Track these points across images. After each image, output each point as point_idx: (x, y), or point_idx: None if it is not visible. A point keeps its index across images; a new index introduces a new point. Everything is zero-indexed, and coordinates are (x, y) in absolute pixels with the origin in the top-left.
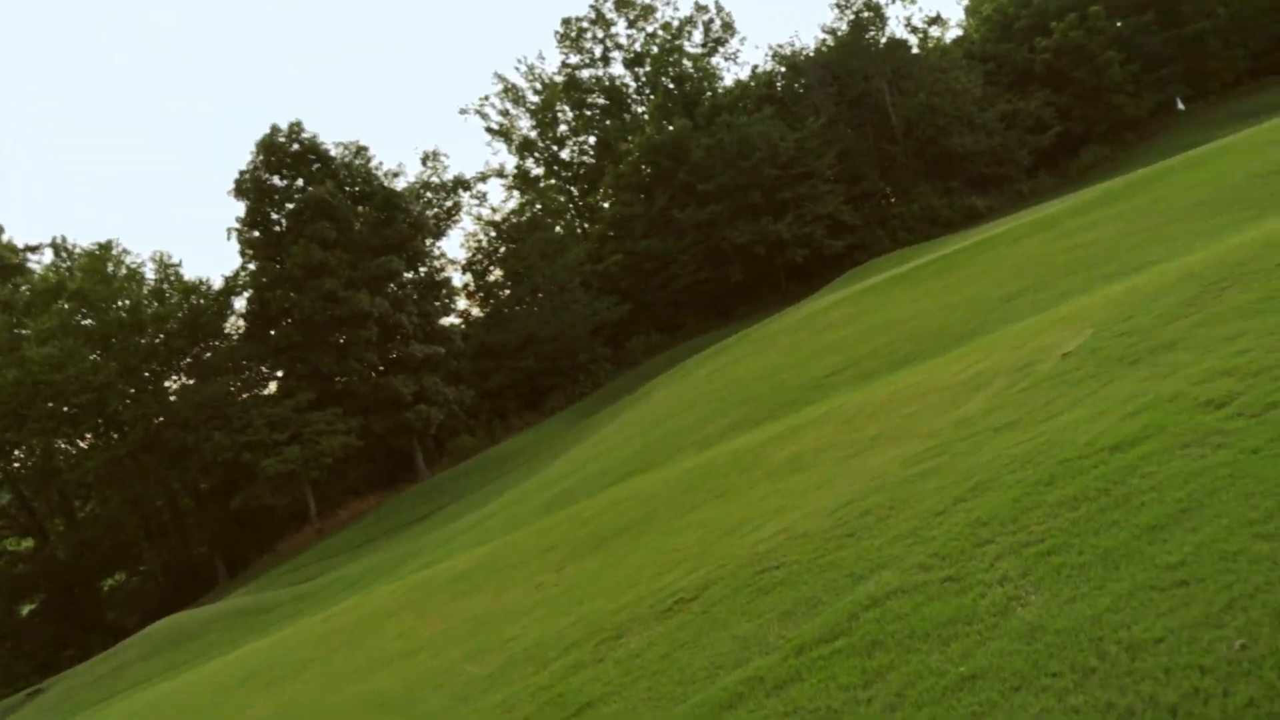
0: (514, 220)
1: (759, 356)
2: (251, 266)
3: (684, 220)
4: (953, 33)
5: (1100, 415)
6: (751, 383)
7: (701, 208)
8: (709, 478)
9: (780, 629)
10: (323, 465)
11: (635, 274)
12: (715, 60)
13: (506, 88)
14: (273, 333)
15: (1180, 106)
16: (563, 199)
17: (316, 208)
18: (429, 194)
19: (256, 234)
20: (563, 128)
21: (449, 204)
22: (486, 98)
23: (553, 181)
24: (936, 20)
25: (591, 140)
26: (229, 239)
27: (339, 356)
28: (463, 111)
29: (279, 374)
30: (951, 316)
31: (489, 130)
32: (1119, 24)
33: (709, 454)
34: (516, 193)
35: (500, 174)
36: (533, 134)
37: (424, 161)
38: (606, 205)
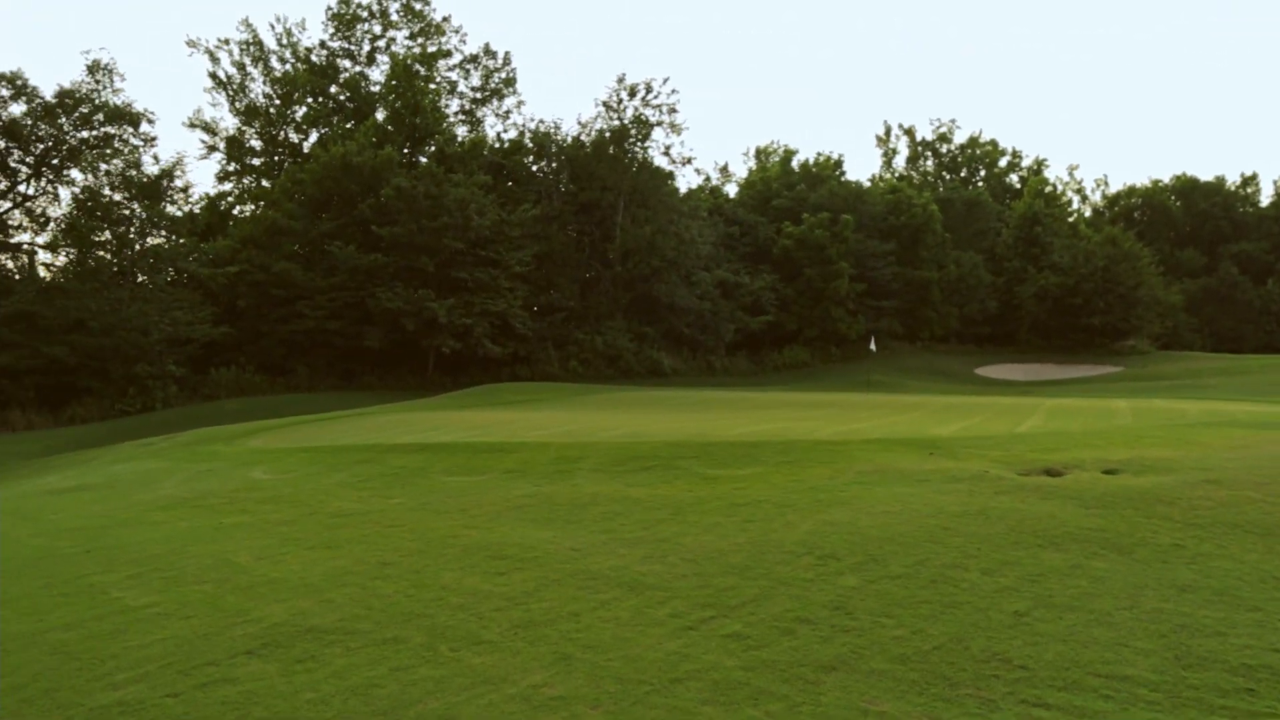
0: (144, 178)
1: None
2: None
3: (340, 257)
4: (731, 188)
5: None
6: None
7: (365, 253)
8: None
9: None
10: None
11: (259, 295)
12: (483, 112)
13: (253, 40)
14: None
15: (873, 348)
16: (266, 184)
17: None
18: (83, 109)
19: None
20: (301, 110)
21: (99, 133)
22: (226, 41)
23: (264, 160)
24: (726, 170)
25: (314, 136)
26: None
27: None
28: (190, 44)
29: None
30: None
31: (214, 77)
32: (856, 236)
33: None
34: (219, 157)
35: (210, 129)
36: (262, 101)
37: (91, 71)
38: (266, 205)
